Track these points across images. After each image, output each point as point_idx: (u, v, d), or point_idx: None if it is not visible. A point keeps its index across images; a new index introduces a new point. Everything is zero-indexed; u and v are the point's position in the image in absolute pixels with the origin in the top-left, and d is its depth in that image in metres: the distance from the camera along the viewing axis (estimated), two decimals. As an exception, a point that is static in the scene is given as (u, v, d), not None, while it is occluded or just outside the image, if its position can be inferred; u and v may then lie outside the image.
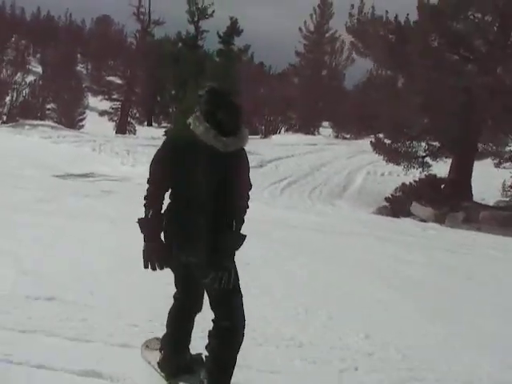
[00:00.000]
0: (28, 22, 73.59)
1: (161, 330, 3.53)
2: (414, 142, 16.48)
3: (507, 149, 17.75)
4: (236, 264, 3.15)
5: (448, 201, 14.88)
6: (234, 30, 35.00)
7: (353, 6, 17.01)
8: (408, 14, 15.59)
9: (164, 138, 12.87)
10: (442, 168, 16.88)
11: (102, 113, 39.78)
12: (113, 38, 60.94)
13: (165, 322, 3.45)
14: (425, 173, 16.56)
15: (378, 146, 16.74)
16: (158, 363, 3.45)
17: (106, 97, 40.61)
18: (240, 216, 3.20)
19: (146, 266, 3.11)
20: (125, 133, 35.99)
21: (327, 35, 41.39)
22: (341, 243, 8.94)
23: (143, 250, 3.11)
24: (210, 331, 3.18)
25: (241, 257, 3.23)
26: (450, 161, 16.62)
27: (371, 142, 17.29)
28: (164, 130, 30.79)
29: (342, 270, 6.89)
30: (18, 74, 34.81)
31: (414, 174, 17.15)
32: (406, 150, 16.36)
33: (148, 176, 3.12)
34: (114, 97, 40.29)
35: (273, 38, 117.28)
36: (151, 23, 40.40)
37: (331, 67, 41.83)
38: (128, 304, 4.56)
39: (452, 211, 14.13)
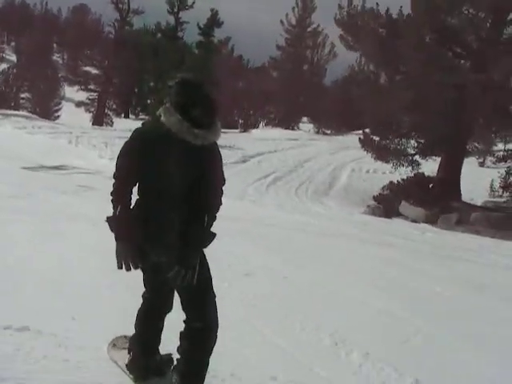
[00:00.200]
0: (1, 8, 71.75)
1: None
2: (403, 140, 16.08)
3: (497, 148, 17.51)
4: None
5: (437, 200, 14.55)
6: (214, 21, 34.46)
7: (342, -3, 16.48)
8: (401, 7, 15.14)
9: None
10: (430, 166, 16.52)
11: (79, 104, 38.84)
12: (90, 28, 59.97)
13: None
14: (414, 171, 16.16)
15: (366, 143, 16.29)
16: (127, 365, 3.27)
17: (83, 87, 39.54)
18: (213, 212, 3.05)
19: (119, 267, 2.93)
20: (102, 124, 35.17)
21: (309, 29, 40.90)
22: (344, 247, 8.70)
23: (116, 250, 2.92)
24: (181, 332, 3.04)
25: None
26: (439, 159, 16.26)
27: (359, 138, 16.84)
28: (142, 122, 30.03)
29: (348, 277, 6.60)
30: (-9, 62, 33.85)
31: (400, 172, 16.76)
32: (395, 147, 15.94)
33: (114, 170, 2.94)
34: (91, 87, 39.27)
35: (253, 31, 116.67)
36: (130, 12, 39.39)
37: (312, 62, 41.41)
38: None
39: (443, 212, 13.80)
